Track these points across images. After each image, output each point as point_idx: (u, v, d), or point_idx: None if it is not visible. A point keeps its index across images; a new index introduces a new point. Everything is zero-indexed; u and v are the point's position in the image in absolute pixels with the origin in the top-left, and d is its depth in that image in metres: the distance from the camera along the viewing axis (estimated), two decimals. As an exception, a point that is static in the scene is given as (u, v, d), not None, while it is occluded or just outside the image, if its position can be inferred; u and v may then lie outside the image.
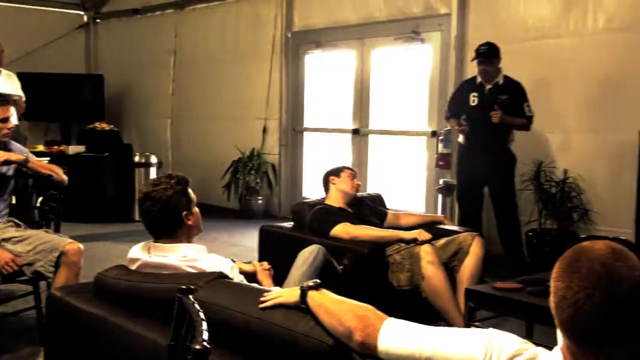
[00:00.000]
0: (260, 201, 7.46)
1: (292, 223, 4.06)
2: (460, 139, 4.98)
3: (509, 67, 4.80)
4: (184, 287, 1.47)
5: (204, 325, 1.18)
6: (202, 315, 1.25)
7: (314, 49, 7.19)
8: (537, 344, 1.45)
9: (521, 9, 5.36)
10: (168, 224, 2.22)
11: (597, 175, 4.91)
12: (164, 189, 2.20)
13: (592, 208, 4.89)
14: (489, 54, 4.73)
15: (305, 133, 7.60)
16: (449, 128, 5.79)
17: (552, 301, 1.33)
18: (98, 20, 9.59)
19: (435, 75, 6.12)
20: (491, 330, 1.47)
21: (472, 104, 4.84)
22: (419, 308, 3.38)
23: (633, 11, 4.70)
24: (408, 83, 6.57)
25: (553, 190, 4.94)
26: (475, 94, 4.83)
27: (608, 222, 4.77)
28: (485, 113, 4.71)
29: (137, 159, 7.38)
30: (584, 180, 4.93)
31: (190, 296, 1.41)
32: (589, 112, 5.00)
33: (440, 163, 5.79)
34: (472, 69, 5.60)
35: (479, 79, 4.86)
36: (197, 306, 1.33)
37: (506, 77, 4.79)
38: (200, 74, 8.18)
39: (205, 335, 1.11)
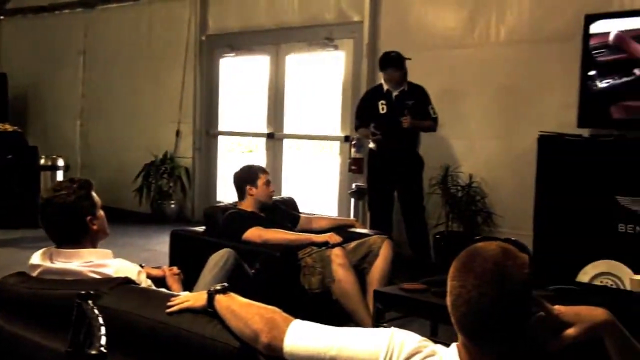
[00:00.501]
0: (173, 205, 7.35)
1: (204, 227, 4.02)
2: (372, 144, 5.05)
3: (419, 75, 4.93)
4: (83, 292, 1.44)
5: (102, 330, 1.16)
6: (100, 320, 1.23)
7: (228, 52, 7.16)
8: (441, 342, 1.50)
9: (430, 19, 5.54)
10: (71, 230, 2.16)
11: (500, 180, 5.13)
12: (66, 194, 2.14)
13: (495, 211, 5.11)
14: (399, 60, 4.83)
15: (219, 137, 7.55)
16: (361, 133, 5.93)
17: (448, 300, 1.40)
18: (2, 17, 9.18)
19: (348, 81, 6.22)
20: (393, 329, 1.53)
21: (382, 111, 4.90)
22: (329, 310, 3.42)
23: (530, 25, 4.95)
24: (322, 88, 6.65)
25: (459, 194, 5.13)
26: (383, 101, 4.90)
27: (510, 225, 4.99)
28: (395, 119, 4.81)
29: (42, 161, 7.09)
30: (487, 184, 5.14)
31: (90, 301, 1.38)
32: (493, 119, 5.22)
33: (353, 167, 5.88)
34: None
35: (385, 87, 4.92)
36: (96, 311, 1.30)
37: (409, 83, 4.91)
38: (112, 75, 7.99)
39: (103, 341, 1.10)
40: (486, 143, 5.06)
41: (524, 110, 4.96)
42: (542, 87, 4.90)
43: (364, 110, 5.05)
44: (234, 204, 3.99)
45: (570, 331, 1.36)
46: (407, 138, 4.89)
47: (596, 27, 4.32)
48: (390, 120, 4.84)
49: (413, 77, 4.98)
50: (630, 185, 4.05)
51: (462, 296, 1.35)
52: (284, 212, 4.04)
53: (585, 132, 4.48)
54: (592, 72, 4.34)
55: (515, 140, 5.02)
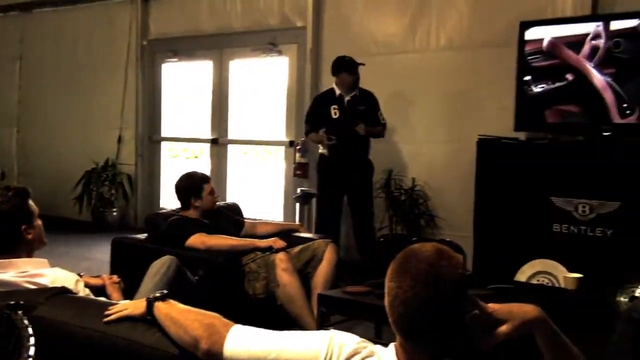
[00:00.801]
0: (115, 213, 7.22)
1: (146, 235, 3.95)
2: (322, 149, 5.02)
3: (362, 80, 4.98)
4: (11, 303, 1.41)
5: (32, 340, 1.13)
6: (30, 330, 1.20)
7: (171, 57, 7.09)
8: (383, 344, 1.52)
9: (372, 25, 5.61)
10: (5, 240, 2.10)
11: (442, 183, 5.24)
12: (0, 202, 2.08)
13: (437, 214, 5.21)
14: (353, 64, 4.84)
15: (162, 143, 7.46)
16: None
17: (386, 301, 1.42)
18: None
19: (293, 86, 6.25)
20: (332, 330, 1.54)
21: (334, 116, 4.89)
22: (274, 316, 3.42)
23: (469, 31, 5.08)
24: (266, 94, 6.65)
25: (402, 197, 5.21)
26: (335, 106, 4.89)
27: (452, 227, 5.10)
28: (348, 124, 4.81)
29: (-23, 170, 6.87)
30: (430, 188, 5.25)
31: (19, 312, 1.35)
32: (435, 123, 5.32)
33: (298, 172, 5.92)
34: (327, 81, 5.81)
35: (337, 91, 4.93)
36: (25, 322, 1.27)
37: (360, 88, 4.94)
38: (50, 81, 7.80)
39: (32, 351, 1.08)
40: (429, 147, 5.16)
41: (465, 115, 5.06)
42: (482, 92, 5.02)
43: (315, 115, 5.03)
44: (177, 211, 3.94)
45: (503, 328, 1.40)
46: (359, 143, 4.91)
47: (531, 34, 4.44)
48: (342, 125, 4.84)
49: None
50: (564, 186, 4.17)
51: (399, 297, 1.37)
52: (228, 218, 4.02)
53: (522, 136, 4.61)
54: (527, 77, 4.46)
55: (457, 144, 5.12)
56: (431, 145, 5.21)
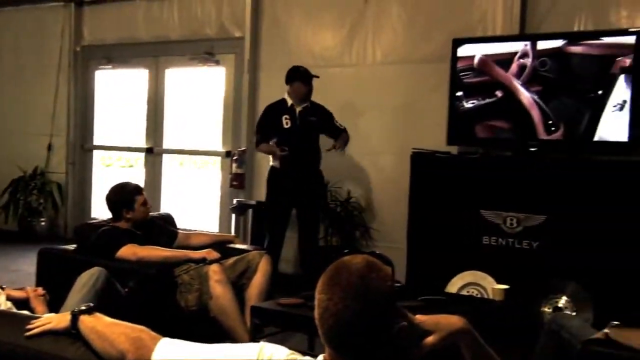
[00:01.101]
0: (43, 223, 7.00)
1: (75, 245, 3.85)
2: (273, 161, 4.92)
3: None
4: None
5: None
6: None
7: (105, 64, 6.95)
8: (313, 355, 1.51)
9: (309, 38, 5.66)
10: None
11: (377, 196, 5.31)
12: None
13: (372, 226, 5.27)
14: (307, 75, 4.79)
15: (95, 151, 7.30)
16: (243, 148, 5.92)
17: (316, 313, 1.42)
18: None
19: (230, 96, 6.22)
20: (262, 342, 1.53)
21: (286, 126, 4.82)
22: (207, 328, 3.37)
23: (404, 49, 5.19)
24: (203, 103, 6.60)
25: (338, 209, 5.24)
26: (287, 116, 4.82)
27: (386, 238, 5.16)
28: (299, 134, 4.78)
29: None
30: (365, 200, 5.31)
31: None
32: (371, 136, 5.38)
33: (234, 183, 5.89)
34: (265, 92, 5.83)
35: (289, 102, 4.86)
36: None
37: (311, 101, 4.89)
38: (-25, 85, 7.50)
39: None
40: (364, 160, 5.21)
41: (401, 129, 5.13)
42: (418, 107, 5.10)
43: (266, 125, 4.92)
44: (109, 221, 3.86)
45: (430, 339, 1.43)
46: (311, 155, 4.85)
47: (463, 51, 4.56)
48: (294, 136, 4.79)
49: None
50: (493, 200, 4.28)
51: (329, 309, 1.38)
52: (161, 229, 3.95)
53: (455, 150, 4.72)
54: (459, 93, 4.58)
55: (392, 157, 5.20)
56: (367, 157, 5.26)
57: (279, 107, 4.89)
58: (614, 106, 4.10)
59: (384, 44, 5.29)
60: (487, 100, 4.49)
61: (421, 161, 4.58)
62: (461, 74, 4.57)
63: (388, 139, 4.99)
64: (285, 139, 4.78)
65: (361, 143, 5.33)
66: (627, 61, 4.05)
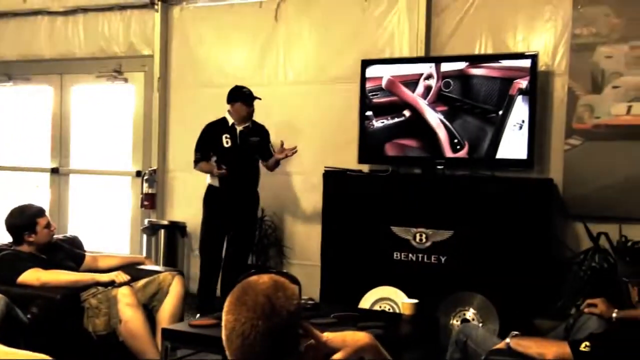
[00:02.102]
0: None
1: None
2: (211, 180, 4.81)
3: (214, 111, 4.94)
4: None
5: None
6: None
7: (4, 81, 6.65)
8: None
9: (220, 57, 5.63)
10: None
11: (292, 214, 5.31)
12: None
13: (286, 244, 5.28)
14: (250, 96, 4.73)
15: (-4, 172, 6.95)
16: (154, 168, 5.81)
17: (223, 334, 1.43)
18: None
19: (140, 115, 6.10)
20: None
21: (226, 145, 4.75)
22: (116, 353, 3.29)
23: (314, 69, 5.24)
24: (112, 122, 6.43)
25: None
26: (227, 135, 4.76)
27: (300, 256, 5.18)
28: (239, 154, 4.73)
29: None
30: (280, 218, 5.31)
31: None
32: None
33: (145, 203, 5.78)
34: (176, 110, 5.80)
35: (230, 121, 4.80)
36: None
37: (253, 121, 4.85)
38: None
39: None
40: (279, 178, 5.18)
41: (314, 148, 5.13)
42: (331, 126, 5.13)
43: (206, 143, 4.81)
44: (10, 245, 3.69)
45: (337, 356, 1.46)
46: (250, 175, 4.80)
47: (371, 72, 4.68)
48: (234, 155, 4.71)
49: (206, 113, 4.99)
50: (403, 216, 4.39)
51: (235, 330, 1.39)
52: (67, 252, 3.83)
53: (366, 168, 4.81)
54: (369, 113, 4.69)
55: (305, 176, 5.23)
56: (281, 176, 5.26)
57: (219, 125, 4.81)
58: (514, 125, 4.30)
59: (296, 63, 5.33)
60: (396, 120, 4.61)
61: (333, 180, 4.64)
62: (370, 94, 4.67)
63: (301, 158, 4.98)
64: (225, 158, 4.71)
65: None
66: (524, 83, 4.25)
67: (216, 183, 4.77)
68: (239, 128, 4.80)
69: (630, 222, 4.11)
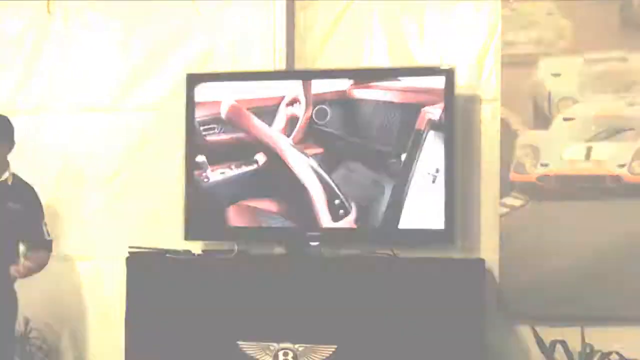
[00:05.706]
0: None
1: None
2: None
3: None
4: None
5: None
6: None
7: None
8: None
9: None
10: None
11: (74, 322, 4.04)
12: None
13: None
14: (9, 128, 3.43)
15: None
16: None
17: None
18: None
19: None
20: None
21: None
22: None
23: (110, 91, 4.05)
24: None
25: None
26: None
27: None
28: None
29: None
30: (55, 332, 4.05)
31: None
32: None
33: None
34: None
35: None
36: None
37: (13, 174, 3.52)
38: None
39: None
40: (53, 268, 3.78)
41: (114, 215, 4.04)
42: (141, 179, 4.01)
43: None
44: None
45: None
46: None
47: (203, 93, 3.61)
48: None
49: None
50: (257, 325, 3.32)
51: None
52: None
53: (198, 247, 3.70)
54: (200, 158, 3.60)
55: (97, 261, 4.03)
56: (58, 264, 3.92)
57: None
58: (424, 177, 3.38)
59: (82, 79, 4.05)
60: (244, 169, 3.60)
61: (143, 267, 3.54)
62: (203, 128, 3.64)
63: (90, 233, 3.85)
64: None
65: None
66: (436, 112, 3.33)
67: None
68: None
69: (596, 324, 3.28)
